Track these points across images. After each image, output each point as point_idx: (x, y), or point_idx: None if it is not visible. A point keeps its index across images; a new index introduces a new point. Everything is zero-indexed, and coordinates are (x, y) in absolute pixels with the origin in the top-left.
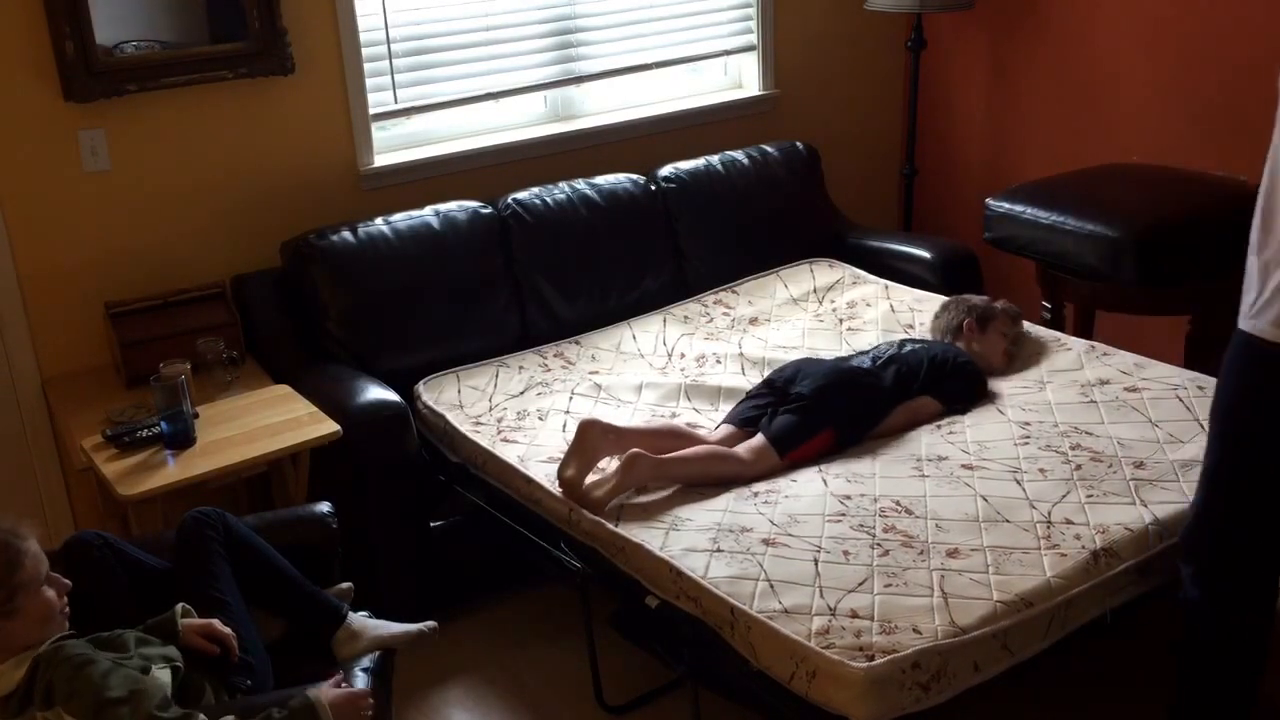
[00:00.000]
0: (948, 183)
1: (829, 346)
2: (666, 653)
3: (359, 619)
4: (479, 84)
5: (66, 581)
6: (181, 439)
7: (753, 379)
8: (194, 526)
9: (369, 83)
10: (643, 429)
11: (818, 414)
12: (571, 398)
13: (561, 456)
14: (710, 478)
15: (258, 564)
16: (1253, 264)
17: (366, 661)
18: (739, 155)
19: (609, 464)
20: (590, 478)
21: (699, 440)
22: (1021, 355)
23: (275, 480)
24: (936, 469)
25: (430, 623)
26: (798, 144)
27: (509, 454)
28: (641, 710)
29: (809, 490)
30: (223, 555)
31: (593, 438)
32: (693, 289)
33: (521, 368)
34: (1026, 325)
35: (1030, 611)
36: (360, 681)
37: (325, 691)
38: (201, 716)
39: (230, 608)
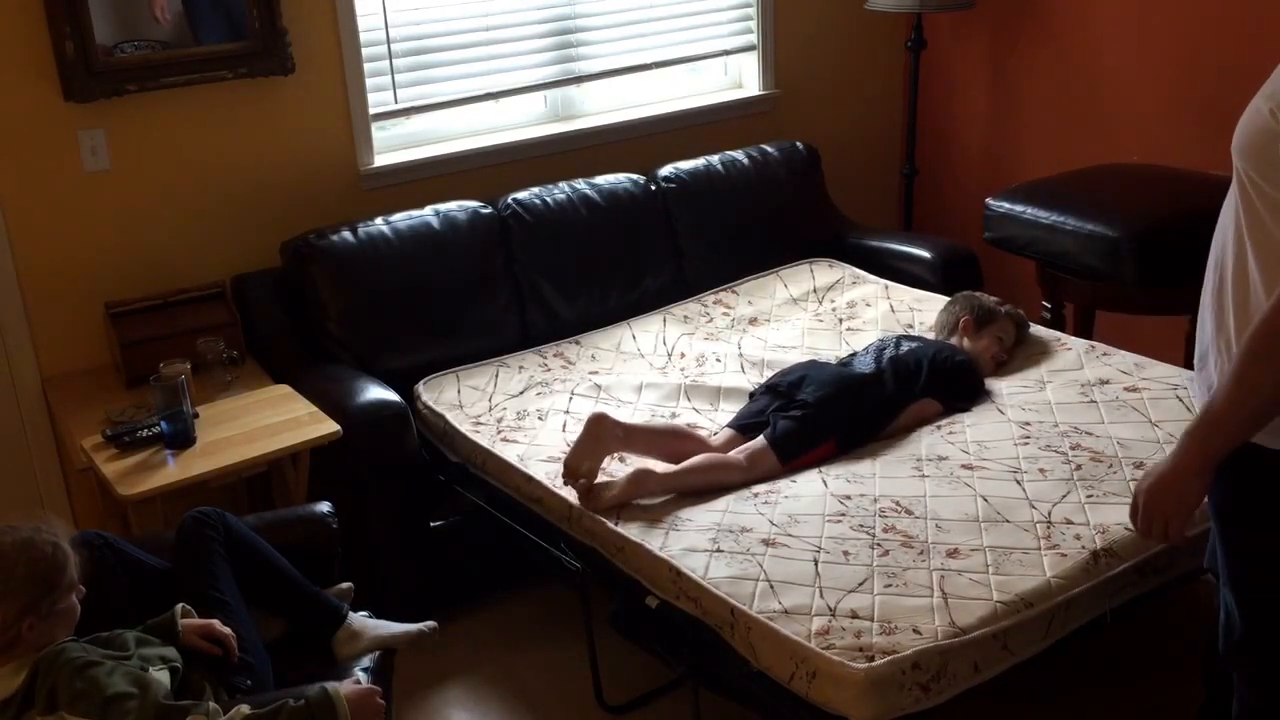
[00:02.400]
0: (948, 183)
1: (829, 346)
2: (666, 653)
3: (359, 619)
4: (479, 84)
5: (82, 587)
6: (181, 439)
7: (753, 379)
8: (194, 526)
9: (369, 83)
10: (649, 427)
11: (821, 424)
12: (571, 398)
13: (561, 456)
14: (713, 487)
15: (258, 564)
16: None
17: (366, 661)
18: (739, 155)
19: (609, 463)
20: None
21: (702, 442)
22: (1020, 356)
23: (275, 480)
24: (936, 469)
25: (430, 623)
26: (798, 144)
27: (509, 454)
28: (641, 710)
29: (809, 490)
30: (223, 555)
31: (603, 432)
32: (693, 289)
33: (521, 368)
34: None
35: (1030, 612)
36: (359, 678)
37: (343, 685)
38: (211, 705)
39: (230, 608)
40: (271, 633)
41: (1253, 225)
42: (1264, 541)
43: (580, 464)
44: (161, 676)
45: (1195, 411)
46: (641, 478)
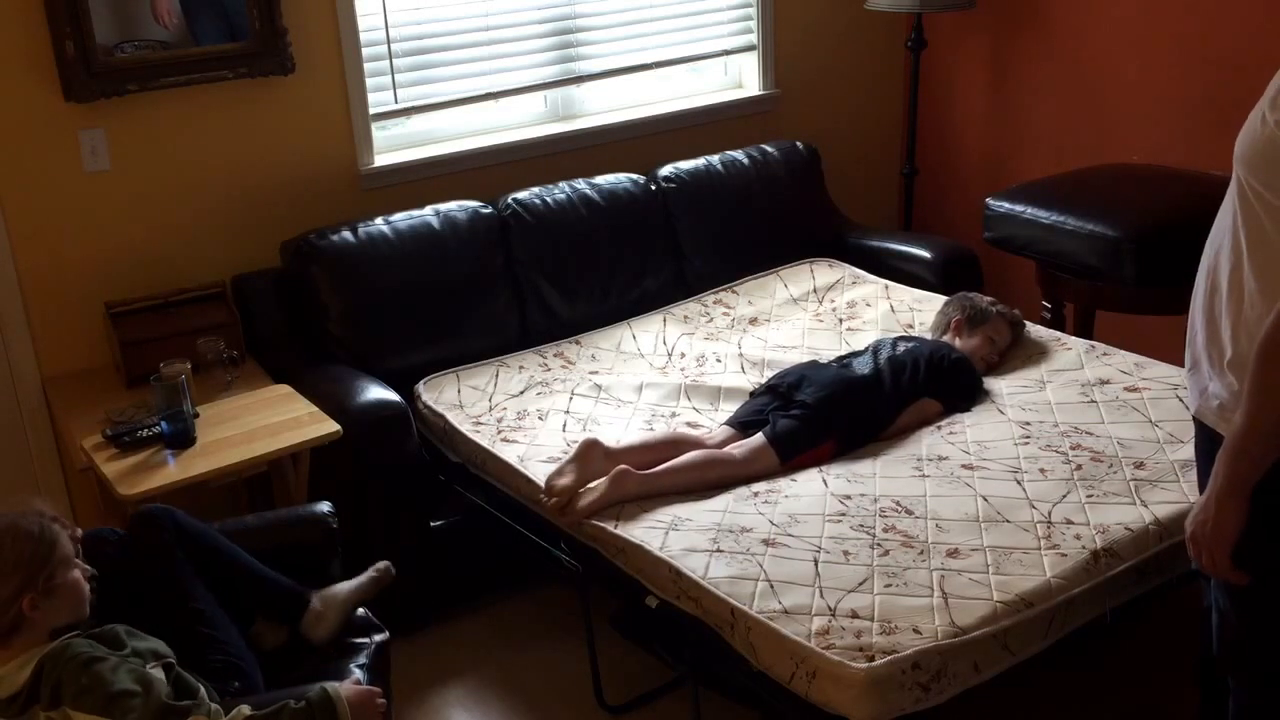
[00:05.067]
0: (948, 183)
1: (829, 346)
2: (666, 653)
3: (319, 595)
4: (479, 84)
5: (89, 568)
6: (182, 439)
7: (753, 379)
8: (144, 530)
9: (369, 82)
10: (643, 445)
11: (820, 424)
12: (571, 398)
13: (561, 456)
14: (702, 484)
15: (217, 559)
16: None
17: (363, 658)
18: (739, 155)
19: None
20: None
21: (698, 444)
22: (1020, 356)
23: (275, 480)
24: (936, 469)
25: (382, 563)
26: (798, 144)
27: (509, 454)
28: (641, 710)
29: (809, 490)
30: (182, 558)
31: (593, 459)
32: (693, 289)
33: (521, 367)
34: (1026, 325)
35: (1030, 611)
36: (357, 677)
37: (342, 686)
38: (213, 706)
39: (206, 615)
40: (276, 640)
41: (1252, 233)
42: (1255, 542)
43: (558, 480)
44: (159, 675)
45: (1190, 411)
46: (621, 476)
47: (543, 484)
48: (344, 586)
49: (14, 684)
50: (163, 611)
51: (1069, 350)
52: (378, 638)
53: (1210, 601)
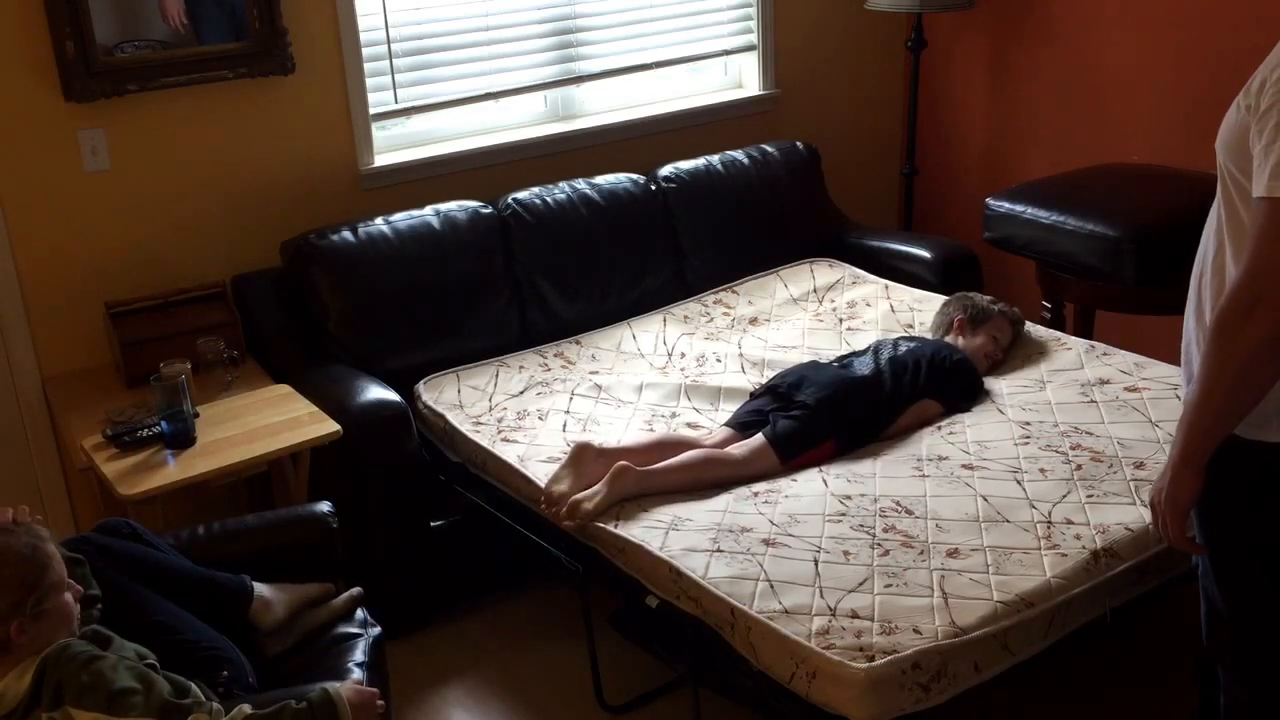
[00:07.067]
0: (948, 183)
1: (829, 346)
2: (666, 653)
3: (262, 587)
4: (479, 84)
5: (79, 587)
6: (182, 439)
7: (753, 379)
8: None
9: (369, 82)
10: (637, 447)
11: (821, 425)
12: (572, 398)
13: (561, 457)
14: (702, 483)
15: (152, 570)
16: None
17: (360, 655)
18: (739, 155)
19: None
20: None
21: (695, 445)
22: (1020, 356)
23: (275, 480)
24: (937, 469)
25: (356, 589)
26: (798, 144)
27: (509, 454)
28: (641, 710)
29: (809, 490)
30: (124, 578)
31: (586, 461)
32: (693, 289)
33: (522, 367)
34: (1026, 325)
35: (1030, 611)
36: (357, 676)
37: (343, 686)
38: (215, 705)
39: (166, 625)
40: (285, 644)
41: (1230, 218)
42: (1244, 530)
43: (556, 487)
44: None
45: (1182, 399)
46: (621, 472)
47: (543, 484)
48: (291, 587)
49: (16, 694)
50: (130, 633)
51: (1069, 350)
52: (373, 632)
53: (1201, 591)
